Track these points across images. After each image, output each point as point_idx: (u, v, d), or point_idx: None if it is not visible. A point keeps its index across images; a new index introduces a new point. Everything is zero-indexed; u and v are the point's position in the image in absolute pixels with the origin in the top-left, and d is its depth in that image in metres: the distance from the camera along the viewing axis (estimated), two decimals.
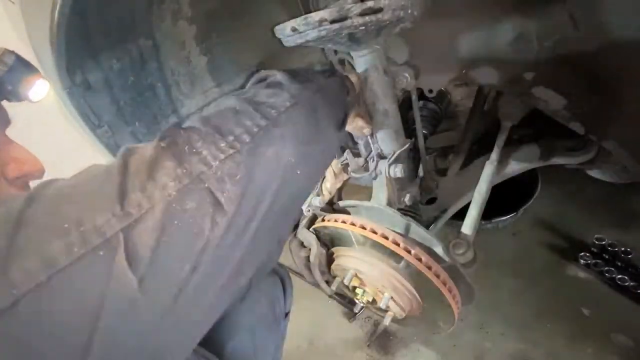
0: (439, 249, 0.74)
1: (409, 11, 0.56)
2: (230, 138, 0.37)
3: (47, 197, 0.30)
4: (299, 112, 0.46)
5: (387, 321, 0.80)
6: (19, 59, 0.46)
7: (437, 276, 0.71)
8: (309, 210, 0.85)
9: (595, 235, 1.42)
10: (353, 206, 0.83)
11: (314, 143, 0.47)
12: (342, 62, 0.98)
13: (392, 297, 0.76)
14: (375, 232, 0.74)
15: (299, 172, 0.42)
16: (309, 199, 0.82)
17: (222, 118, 0.39)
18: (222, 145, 0.36)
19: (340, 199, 0.90)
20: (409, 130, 0.87)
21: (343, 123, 0.58)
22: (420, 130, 0.91)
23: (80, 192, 0.31)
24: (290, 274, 0.88)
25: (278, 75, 0.51)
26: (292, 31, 0.61)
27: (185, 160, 0.33)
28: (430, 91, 1.04)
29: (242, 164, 0.36)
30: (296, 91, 0.47)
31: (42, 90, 0.49)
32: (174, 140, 0.35)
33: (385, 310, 0.79)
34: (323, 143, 0.50)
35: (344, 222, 0.77)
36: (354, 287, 0.81)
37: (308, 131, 0.46)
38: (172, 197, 0.31)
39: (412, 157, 0.93)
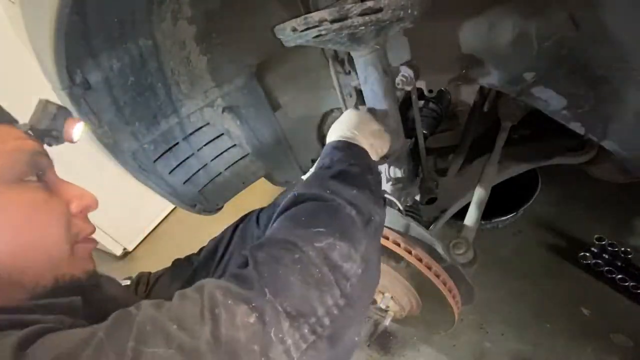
0: (439, 249, 0.74)
1: (409, 11, 0.56)
2: (313, 320, 0.38)
3: None
4: (367, 284, 0.46)
5: (387, 321, 0.80)
6: (60, 107, 0.50)
7: (438, 276, 0.71)
8: None
9: (595, 235, 1.41)
10: None
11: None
12: (341, 62, 0.98)
13: (392, 297, 0.76)
14: None
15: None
16: None
17: (306, 287, 0.39)
18: (305, 331, 0.37)
19: None
20: (409, 130, 0.87)
21: None
22: (420, 130, 0.91)
23: None
24: None
25: (352, 212, 0.48)
26: (292, 31, 0.61)
27: (270, 350, 0.34)
28: (430, 91, 1.04)
29: (322, 351, 0.37)
30: (365, 251, 0.46)
31: (79, 130, 0.52)
32: (262, 317, 0.35)
33: (385, 310, 0.79)
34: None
35: None
36: None
37: (371, 295, 0.49)
38: None
39: (412, 157, 0.93)
